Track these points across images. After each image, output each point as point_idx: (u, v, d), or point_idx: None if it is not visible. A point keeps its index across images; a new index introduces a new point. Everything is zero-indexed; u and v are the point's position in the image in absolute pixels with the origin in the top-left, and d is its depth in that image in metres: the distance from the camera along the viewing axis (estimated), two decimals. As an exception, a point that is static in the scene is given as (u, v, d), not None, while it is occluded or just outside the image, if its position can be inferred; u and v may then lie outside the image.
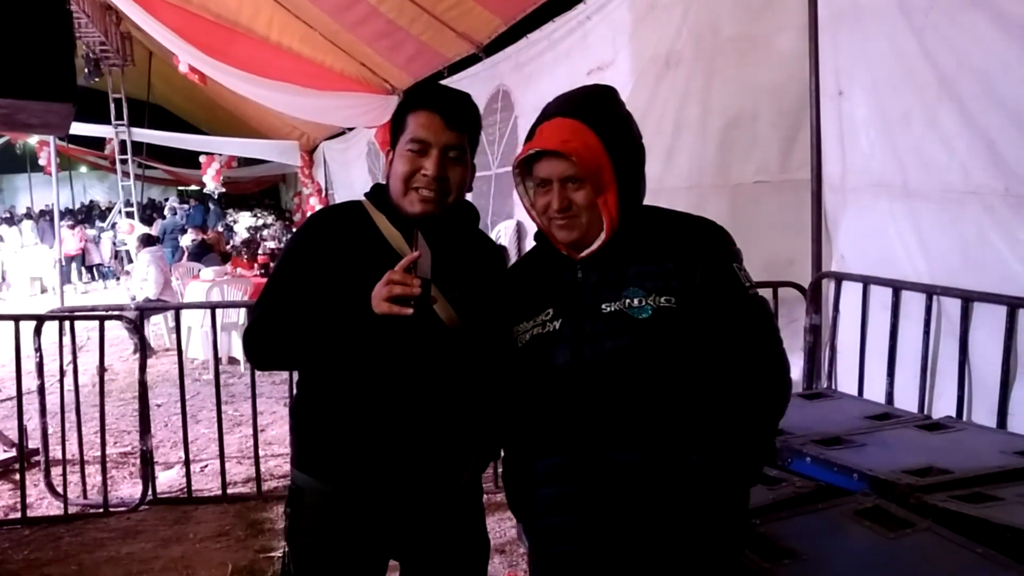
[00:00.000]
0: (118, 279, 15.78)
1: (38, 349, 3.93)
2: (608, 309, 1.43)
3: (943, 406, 3.15)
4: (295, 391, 1.74)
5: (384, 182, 1.68)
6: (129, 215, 15.72)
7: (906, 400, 3.27)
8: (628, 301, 1.42)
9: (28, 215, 20.14)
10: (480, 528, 1.77)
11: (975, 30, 2.96)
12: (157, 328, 8.44)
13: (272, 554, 3.44)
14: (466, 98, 1.65)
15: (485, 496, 1.83)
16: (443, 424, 1.63)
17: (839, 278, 3.76)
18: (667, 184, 4.63)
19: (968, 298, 3.03)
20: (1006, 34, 2.85)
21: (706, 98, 4.55)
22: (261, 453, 4.28)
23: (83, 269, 16.23)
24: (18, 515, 3.90)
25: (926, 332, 3.23)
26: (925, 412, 3.08)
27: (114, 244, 16.02)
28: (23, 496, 3.93)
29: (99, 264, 16.50)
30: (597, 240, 1.45)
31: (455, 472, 1.67)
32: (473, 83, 7.79)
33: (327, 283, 1.57)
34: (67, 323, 4.16)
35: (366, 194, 1.71)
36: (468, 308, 1.62)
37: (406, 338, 1.55)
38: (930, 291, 3.21)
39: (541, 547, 1.53)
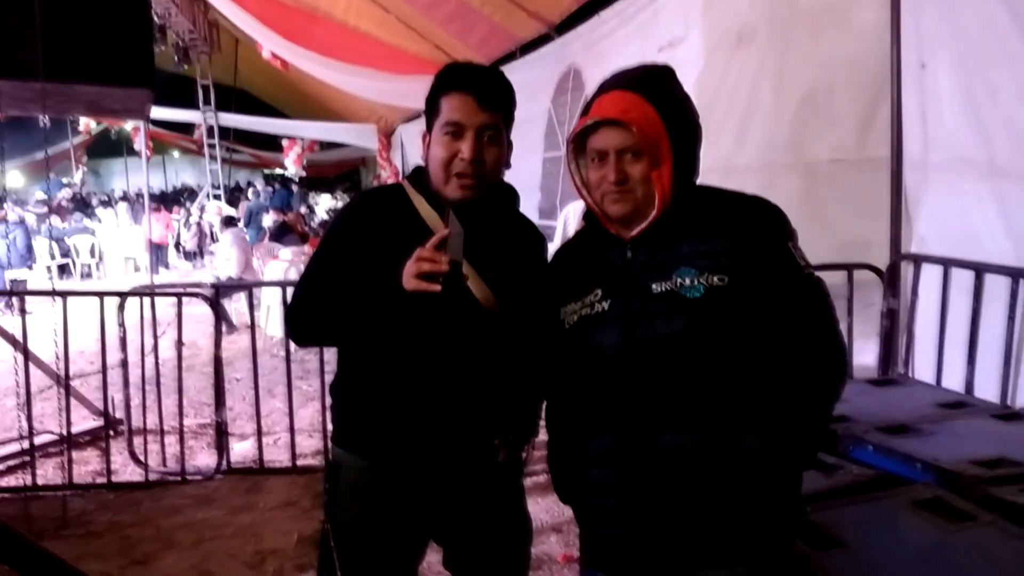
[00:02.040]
0: (203, 258, 16.35)
1: (121, 324, 4.13)
2: (659, 289, 1.39)
3: (1027, 397, 2.98)
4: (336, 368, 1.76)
5: (424, 164, 1.68)
6: (216, 197, 16.30)
7: (987, 390, 3.09)
8: (679, 280, 1.38)
9: (124, 197, 21.10)
10: (520, 508, 1.77)
11: (1072, -6, 2.76)
12: (240, 306, 8.74)
13: (336, 525, 3.54)
14: (499, 75, 1.63)
15: (544, 476, 1.81)
16: (478, 402, 1.63)
17: (918, 260, 3.58)
18: (737, 163, 4.51)
19: (1057, 282, 2.85)
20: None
21: (780, 73, 4.39)
22: (330, 427, 4.39)
23: (175, 252, 16.71)
24: (104, 480, 4.13)
25: (1010, 318, 3.05)
26: (1006, 403, 2.92)
27: (200, 225, 16.55)
28: (108, 463, 4.15)
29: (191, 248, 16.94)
30: (648, 217, 1.42)
31: (491, 450, 1.66)
32: (545, 63, 7.73)
33: (366, 262, 1.59)
34: (149, 299, 4.36)
35: (406, 176, 1.72)
36: (505, 289, 1.61)
37: (439, 317, 1.55)
38: (1016, 274, 3.02)
39: (589, 528, 1.52)
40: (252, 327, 4.50)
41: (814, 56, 4.15)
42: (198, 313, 5.62)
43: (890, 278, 3.72)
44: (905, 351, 3.72)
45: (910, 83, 3.58)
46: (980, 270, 3.18)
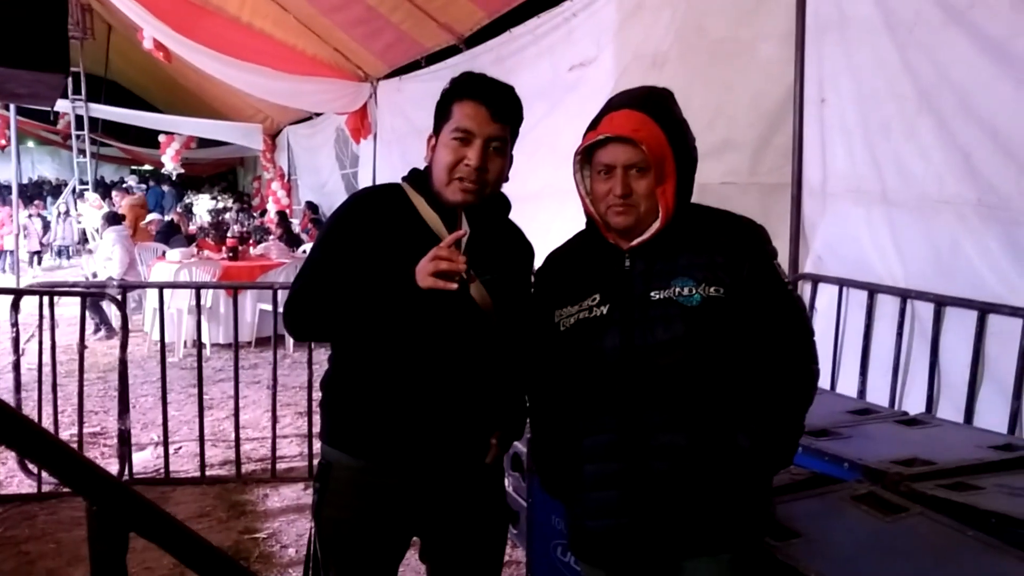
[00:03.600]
0: (61, 257, 15.31)
1: (15, 324, 3.86)
2: (657, 296, 1.50)
3: (911, 404, 3.31)
4: (327, 366, 1.77)
5: (424, 167, 1.72)
6: (83, 193, 15.30)
7: (876, 397, 3.42)
8: (677, 290, 1.50)
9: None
10: (501, 505, 1.83)
11: (956, 47, 3.11)
12: (117, 309, 8.25)
13: (256, 535, 3.44)
14: (511, 91, 1.70)
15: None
16: (472, 403, 1.68)
17: (815, 280, 3.90)
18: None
19: (940, 302, 3.19)
20: (985, 52, 3.01)
21: (687, 98, 4.60)
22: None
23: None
24: (-11, 493, 3.84)
25: (899, 334, 3.39)
26: (894, 409, 3.23)
27: (58, 221, 15.44)
28: (-5, 473, 3.87)
29: (39, 251, 15.61)
30: (649, 230, 1.53)
31: (482, 450, 1.72)
32: (451, 74, 7.70)
33: (368, 258, 1.62)
34: (40, 299, 4.08)
35: (404, 178, 1.76)
36: (499, 291, 1.68)
37: (443, 316, 1.60)
38: (904, 295, 3.36)
39: (578, 521, 1.60)
40: (162, 331, 4.29)
41: (720, 84, 4.43)
42: (68, 315, 5.26)
43: (788, 295, 4.03)
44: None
45: (811, 115, 3.90)
46: (872, 290, 3.52)
